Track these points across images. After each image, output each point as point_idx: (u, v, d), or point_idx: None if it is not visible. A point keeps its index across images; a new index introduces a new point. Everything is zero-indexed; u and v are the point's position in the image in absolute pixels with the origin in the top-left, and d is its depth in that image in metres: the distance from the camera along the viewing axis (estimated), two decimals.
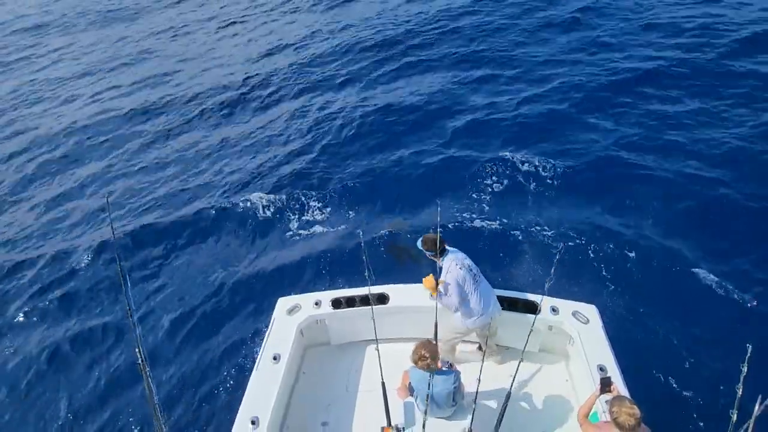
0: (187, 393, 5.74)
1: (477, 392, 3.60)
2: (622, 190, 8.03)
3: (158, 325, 6.70)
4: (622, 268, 6.72)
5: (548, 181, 8.46)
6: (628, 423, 3.09)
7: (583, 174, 8.48)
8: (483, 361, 3.92)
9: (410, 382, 3.91)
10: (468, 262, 4.35)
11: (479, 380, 3.66)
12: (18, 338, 7.13)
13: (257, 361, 4.36)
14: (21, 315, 7.48)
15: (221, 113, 12.52)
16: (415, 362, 3.80)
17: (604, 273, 6.67)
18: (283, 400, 4.33)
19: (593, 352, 4.25)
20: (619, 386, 3.91)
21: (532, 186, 8.42)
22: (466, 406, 3.84)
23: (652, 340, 5.72)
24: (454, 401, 3.89)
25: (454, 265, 4.25)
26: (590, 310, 4.61)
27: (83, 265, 8.07)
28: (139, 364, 1.37)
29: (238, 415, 3.93)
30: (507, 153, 9.09)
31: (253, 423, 3.82)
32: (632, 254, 6.87)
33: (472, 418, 3.45)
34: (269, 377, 4.21)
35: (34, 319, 7.40)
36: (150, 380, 1.61)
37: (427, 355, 3.75)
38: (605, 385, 3.60)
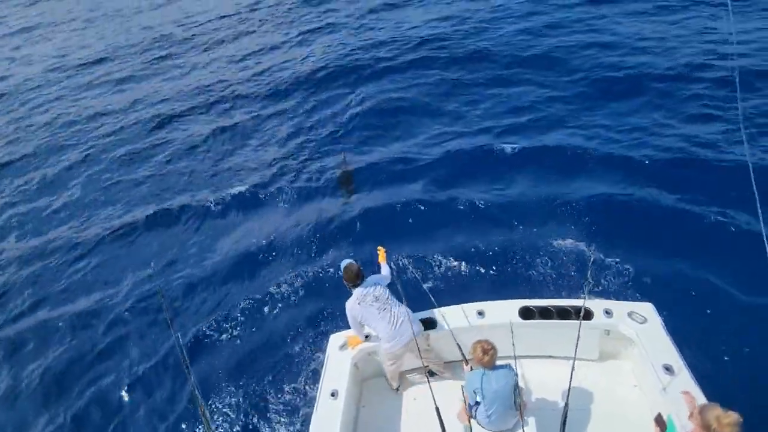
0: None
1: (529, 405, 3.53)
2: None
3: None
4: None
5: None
6: None
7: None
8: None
9: (469, 403, 3.87)
10: (376, 293, 4.55)
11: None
12: None
13: (316, 400, 4.45)
14: None
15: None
16: (480, 359, 3.84)
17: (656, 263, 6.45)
18: None
19: (656, 353, 4.09)
20: (692, 386, 3.73)
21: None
22: (526, 422, 3.75)
23: (719, 332, 5.42)
24: (516, 404, 3.81)
25: (354, 301, 4.56)
26: (647, 309, 4.45)
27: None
28: (199, 407, 1.47)
29: None
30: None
31: None
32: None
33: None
34: (330, 415, 4.27)
35: None
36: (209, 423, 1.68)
37: (490, 347, 3.85)
38: (659, 423, 3.45)
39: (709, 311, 5.74)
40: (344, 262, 4.70)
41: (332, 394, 4.43)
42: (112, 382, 7.07)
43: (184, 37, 19.82)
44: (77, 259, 9.60)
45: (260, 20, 19.82)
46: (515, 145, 9.54)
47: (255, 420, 5.98)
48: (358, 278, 4.53)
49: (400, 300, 4.67)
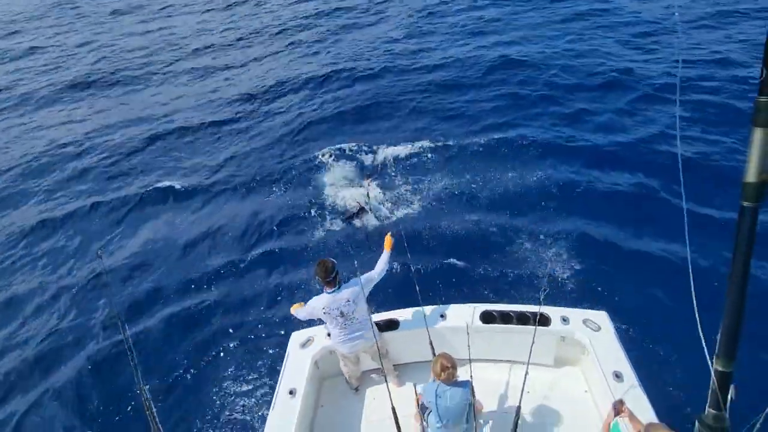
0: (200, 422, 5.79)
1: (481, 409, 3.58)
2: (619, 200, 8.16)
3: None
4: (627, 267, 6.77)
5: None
6: None
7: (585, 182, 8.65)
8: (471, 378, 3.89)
9: (422, 402, 3.90)
10: (345, 308, 4.31)
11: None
12: None
13: (274, 397, 4.40)
14: None
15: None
16: (438, 374, 3.74)
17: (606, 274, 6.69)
18: None
19: (608, 360, 4.21)
20: (639, 393, 3.87)
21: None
22: (480, 423, 3.81)
23: (667, 342, 5.66)
24: (468, 419, 3.86)
25: (320, 307, 4.33)
26: (601, 317, 4.59)
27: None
28: (143, 400, 1.44)
29: None
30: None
31: None
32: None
33: None
34: (287, 413, 4.23)
35: None
36: (155, 418, 1.65)
37: (449, 365, 3.72)
38: (617, 407, 3.51)
39: (660, 320, 5.99)
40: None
41: (290, 392, 4.39)
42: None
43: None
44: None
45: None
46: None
47: (208, 417, 5.88)
48: (328, 275, 4.22)
49: (367, 301, 4.51)
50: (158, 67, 17.49)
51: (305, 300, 4.54)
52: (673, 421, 3.29)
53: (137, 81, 16.67)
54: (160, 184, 10.58)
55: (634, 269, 6.73)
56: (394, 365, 4.86)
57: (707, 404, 1.46)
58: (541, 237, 7.40)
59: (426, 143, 10.40)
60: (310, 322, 4.84)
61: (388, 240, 4.66)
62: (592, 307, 4.76)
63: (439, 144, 10.33)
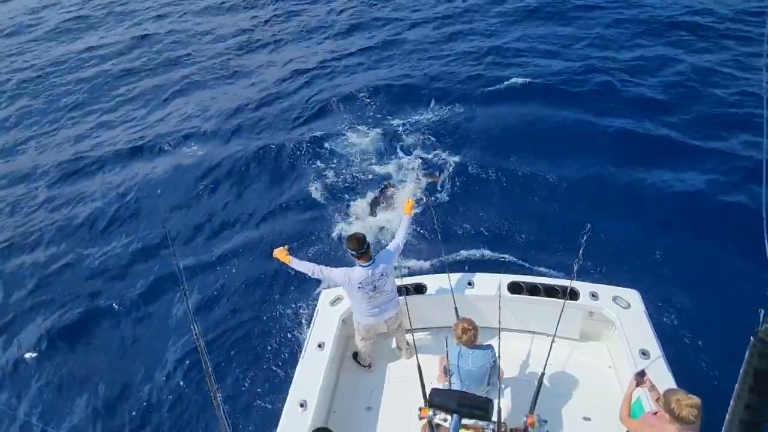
0: (241, 368, 6.22)
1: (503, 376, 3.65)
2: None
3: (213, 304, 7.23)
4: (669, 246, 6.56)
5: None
6: (692, 415, 2.89)
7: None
8: (499, 348, 3.95)
9: (445, 365, 4.02)
10: (378, 283, 4.27)
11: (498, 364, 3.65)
12: None
13: (304, 348, 4.64)
14: None
15: None
16: (459, 337, 3.86)
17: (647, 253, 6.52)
18: (329, 386, 4.59)
19: (635, 337, 4.19)
20: (665, 372, 3.85)
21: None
22: (500, 387, 3.92)
23: (702, 325, 5.54)
24: (489, 382, 3.97)
25: (354, 281, 4.23)
26: (632, 295, 4.54)
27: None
28: (194, 336, 1.57)
29: (288, 397, 4.21)
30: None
31: (301, 405, 4.09)
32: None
33: (501, 399, 3.52)
34: (315, 364, 4.46)
35: None
36: (205, 353, 1.77)
37: (470, 327, 3.84)
38: (638, 378, 3.52)
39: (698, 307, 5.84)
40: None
41: (319, 346, 4.60)
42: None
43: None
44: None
45: None
46: None
47: (245, 359, 6.32)
48: (360, 247, 4.14)
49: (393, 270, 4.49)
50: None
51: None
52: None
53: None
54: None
55: (681, 257, 6.48)
56: (420, 327, 4.99)
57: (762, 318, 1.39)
58: (579, 209, 7.27)
59: (452, 110, 10.18)
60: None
61: (409, 205, 4.61)
62: (630, 286, 4.69)
63: (463, 112, 10.09)
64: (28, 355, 7.06)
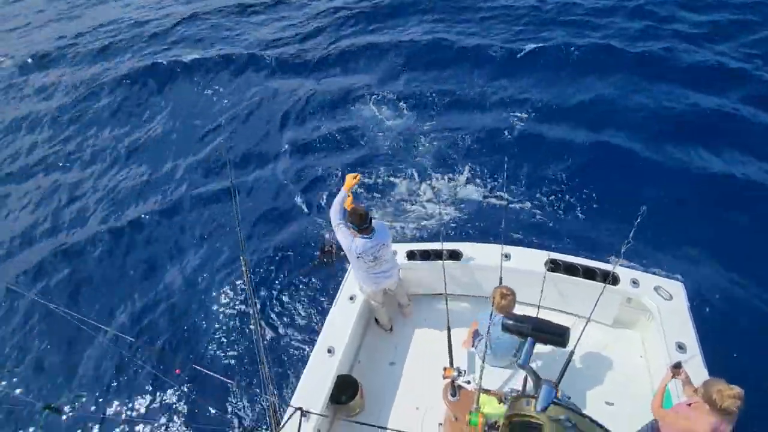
0: (284, 306, 6.54)
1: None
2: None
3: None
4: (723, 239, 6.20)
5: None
6: (734, 406, 2.81)
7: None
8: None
9: (476, 330, 4.05)
10: (378, 253, 4.32)
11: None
12: None
13: (336, 298, 4.79)
14: None
15: None
16: (498, 302, 3.88)
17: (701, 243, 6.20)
18: (356, 337, 4.75)
19: (673, 330, 4.07)
20: (701, 369, 3.74)
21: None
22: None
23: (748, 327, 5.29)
24: (517, 354, 3.98)
25: (355, 250, 4.26)
26: (675, 287, 4.37)
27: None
28: (243, 268, 1.65)
29: (317, 342, 4.40)
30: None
31: (329, 351, 4.27)
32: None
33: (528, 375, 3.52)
34: (345, 314, 4.62)
35: None
36: (251, 284, 1.83)
37: (509, 293, 3.87)
38: (674, 370, 3.43)
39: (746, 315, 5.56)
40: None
41: (350, 298, 4.75)
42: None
43: None
44: None
45: None
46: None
47: (285, 298, 6.62)
48: (363, 222, 4.17)
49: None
50: None
51: None
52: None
53: None
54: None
55: (741, 257, 6.10)
56: (453, 294, 5.01)
57: None
58: (631, 188, 6.97)
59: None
60: None
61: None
62: (674, 277, 4.52)
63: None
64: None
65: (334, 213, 4.34)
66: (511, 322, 2.94)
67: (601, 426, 1.02)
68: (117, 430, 5.71)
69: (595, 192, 7.14)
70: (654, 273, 4.63)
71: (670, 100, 8.54)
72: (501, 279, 4.37)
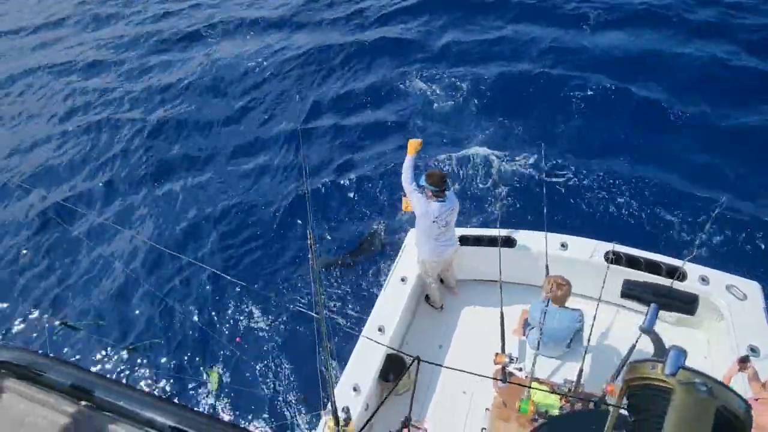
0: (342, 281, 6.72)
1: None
2: None
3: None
4: None
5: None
6: None
7: None
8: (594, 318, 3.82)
9: (527, 318, 3.99)
10: (449, 218, 4.38)
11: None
12: None
13: (388, 278, 4.87)
14: None
15: None
16: (554, 292, 3.82)
17: None
18: (406, 317, 4.80)
19: (745, 332, 3.81)
20: None
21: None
22: (580, 352, 3.83)
23: None
24: (570, 345, 3.89)
25: (430, 215, 4.28)
26: (751, 287, 4.08)
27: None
28: (308, 242, 1.71)
29: (368, 319, 4.51)
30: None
31: (380, 330, 4.37)
32: None
33: (582, 366, 3.44)
34: (397, 295, 4.68)
35: None
36: (314, 254, 1.90)
37: (564, 283, 3.80)
38: (741, 364, 3.25)
39: None
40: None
41: (402, 279, 4.80)
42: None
43: None
44: None
45: None
46: None
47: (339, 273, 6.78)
48: (442, 183, 4.24)
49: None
50: None
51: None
52: None
53: None
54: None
55: None
56: (507, 282, 4.94)
57: None
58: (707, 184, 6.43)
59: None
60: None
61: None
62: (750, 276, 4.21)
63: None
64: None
65: (405, 179, 4.40)
66: (630, 288, 2.82)
67: (737, 394, 0.96)
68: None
69: (667, 179, 6.68)
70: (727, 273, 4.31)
71: None
72: (553, 269, 4.25)
